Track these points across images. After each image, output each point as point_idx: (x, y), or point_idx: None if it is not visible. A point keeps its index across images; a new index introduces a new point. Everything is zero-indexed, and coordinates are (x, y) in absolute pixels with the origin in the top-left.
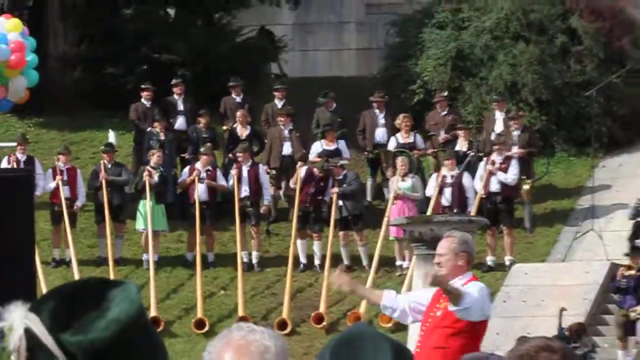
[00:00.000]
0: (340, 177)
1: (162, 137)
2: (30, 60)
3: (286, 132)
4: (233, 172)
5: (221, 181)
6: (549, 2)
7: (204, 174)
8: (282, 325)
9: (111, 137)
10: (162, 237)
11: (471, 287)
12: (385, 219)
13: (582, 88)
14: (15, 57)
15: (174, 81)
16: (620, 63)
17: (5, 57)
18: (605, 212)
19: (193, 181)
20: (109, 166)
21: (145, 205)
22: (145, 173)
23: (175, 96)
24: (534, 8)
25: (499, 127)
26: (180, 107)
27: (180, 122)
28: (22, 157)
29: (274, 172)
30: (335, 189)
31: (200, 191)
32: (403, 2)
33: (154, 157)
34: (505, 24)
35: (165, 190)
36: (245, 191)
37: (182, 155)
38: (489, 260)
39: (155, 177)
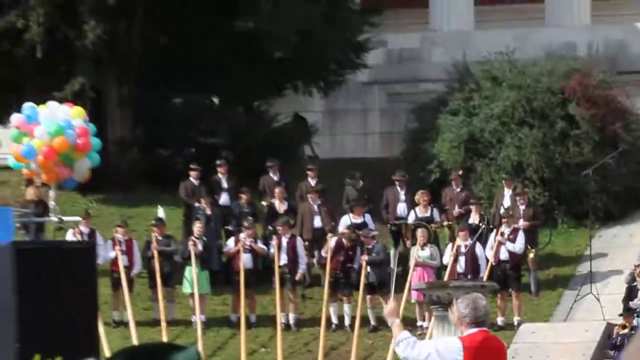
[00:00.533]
0: (370, 246)
1: (209, 212)
2: (95, 143)
3: (315, 207)
4: (274, 242)
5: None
6: (549, 92)
7: (248, 244)
8: None
9: (160, 212)
10: (209, 300)
11: (428, 339)
12: (407, 284)
13: (580, 168)
14: (82, 141)
15: (218, 162)
16: (614, 146)
17: (73, 141)
18: (601, 278)
19: (238, 251)
20: (160, 238)
21: (191, 271)
22: (190, 243)
23: (220, 175)
24: (536, 97)
25: (507, 202)
26: (224, 185)
27: (224, 198)
28: (85, 230)
29: (306, 243)
30: (365, 257)
31: (244, 259)
32: (421, 91)
33: (196, 229)
34: (511, 111)
35: (210, 258)
36: (283, 259)
37: (226, 227)
38: (499, 320)
39: (199, 246)
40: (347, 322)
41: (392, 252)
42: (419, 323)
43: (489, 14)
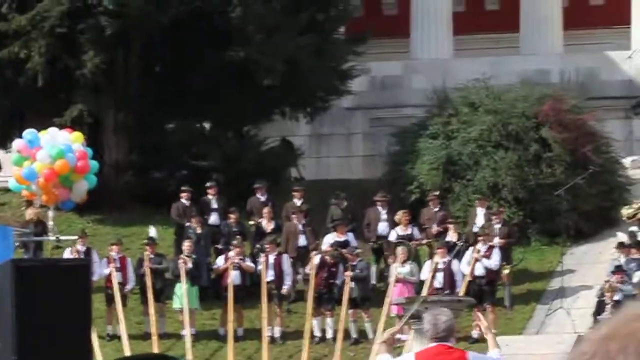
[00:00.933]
0: (354, 263)
1: (199, 231)
2: (92, 166)
3: (300, 226)
4: (261, 260)
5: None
6: (524, 116)
7: (236, 262)
8: None
9: (152, 231)
10: (198, 314)
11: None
12: (388, 299)
13: (553, 188)
14: (81, 163)
15: (208, 184)
16: (584, 167)
17: (73, 163)
18: (572, 293)
19: (227, 268)
20: (152, 256)
21: (181, 288)
22: (181, 260)
23: (210, 196)
24: (511, 121)
25: (480, 221)
26: (214, 205)
27: (214, 218)
28: (82, 249)
29: (291, 260)
30: (349, 273)
31: (233, 276)
32: (402, 116)
33: (187, 247)
34: (488, 134)
35: (200, 274)
36: (270, 276)
37: (216, 246)
38: (475, 333)
39: (190, 264)
40: (330, 335)
41: (373, 268)
42: (397, 336)
43: (466, 43)
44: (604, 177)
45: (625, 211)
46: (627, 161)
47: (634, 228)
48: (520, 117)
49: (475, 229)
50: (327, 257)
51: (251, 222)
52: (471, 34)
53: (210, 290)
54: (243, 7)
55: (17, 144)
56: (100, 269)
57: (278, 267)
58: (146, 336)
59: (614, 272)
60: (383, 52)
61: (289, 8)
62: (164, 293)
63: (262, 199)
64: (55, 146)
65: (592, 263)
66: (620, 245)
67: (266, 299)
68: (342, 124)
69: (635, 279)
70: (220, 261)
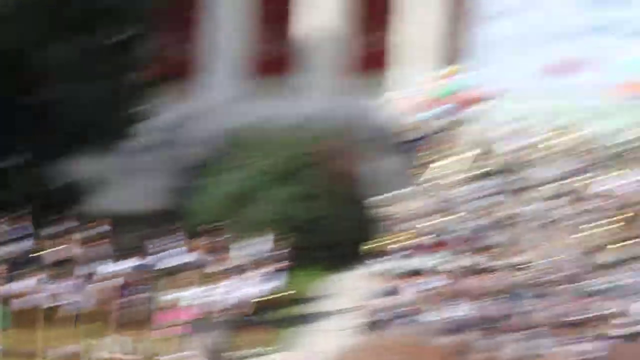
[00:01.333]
0: (142, 287)
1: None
2: None
3: (95, 253)
4: (58, 284)
5: None
6: (300, 155)
7: (34, 286)
8: None
9: None
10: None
11: None
12: (172, 322)
13: (327, 219)
14: None
15: (12, 214)
16: (351, 201)
17: None
18: (335, 316)
19: (25, 292)
20: None
21: None
22: None
23: (12, 226)
24: (288, 159)
25: (261, 248)
26: (16, 235)
27: (15, 246)
28: None
29: (83, 284)
30: (137, 296)
31: (31, 300)
32: (191, 153)
33: None
34: (269, 170)
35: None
36: (65, 300)
37: (15, 272)
38: (250, 352)
39: None
40: (118, 355)
41: (159, 293)
42: (181, 354)
43: (251, 86)
44: (363, 212)
45: (379, 244)
46: (385, 197)
47: (392, 258)
48: (297, 157)
49: (255, 256)
50: (118, 281)
51: (49, 250)
52: (258, 78)
53: (9, 313)
54: (44, 50)
55: None
56: None
57: (71, 291)
58: None
59: (375, 298)
60: (175, 94)
61: (87, 52)
62: None
63: (61, 228)
64: None
65: (353, 289)
66: (384, 274)
67: (59, 321)
68: (138, 160)
69: (398, 301)
70: (18, 286)
